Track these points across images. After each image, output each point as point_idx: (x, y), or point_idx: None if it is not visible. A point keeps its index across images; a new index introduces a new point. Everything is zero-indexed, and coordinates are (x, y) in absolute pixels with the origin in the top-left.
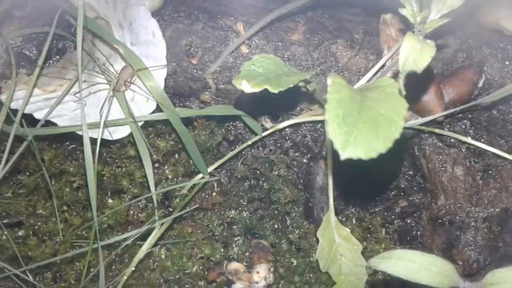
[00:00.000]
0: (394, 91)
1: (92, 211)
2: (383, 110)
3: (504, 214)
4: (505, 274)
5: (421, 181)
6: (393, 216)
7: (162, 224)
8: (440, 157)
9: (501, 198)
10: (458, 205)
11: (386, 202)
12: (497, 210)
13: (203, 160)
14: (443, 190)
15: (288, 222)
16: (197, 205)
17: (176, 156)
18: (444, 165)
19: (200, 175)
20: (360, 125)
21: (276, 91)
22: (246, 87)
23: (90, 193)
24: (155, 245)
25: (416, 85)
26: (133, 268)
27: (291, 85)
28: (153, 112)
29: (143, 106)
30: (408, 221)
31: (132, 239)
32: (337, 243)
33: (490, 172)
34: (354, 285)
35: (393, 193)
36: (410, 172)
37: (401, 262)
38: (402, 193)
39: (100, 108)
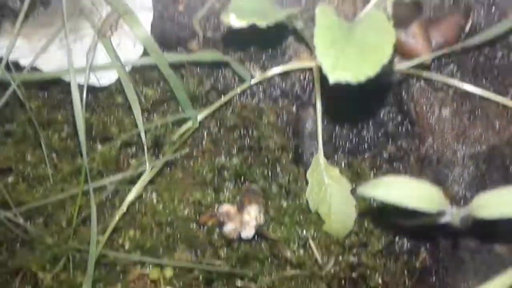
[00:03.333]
0: (383, 19)
1: (81, 151)
2: (371, 36)
3: (491, 152)
4: (491, 197)
5: (409, 126)
6: (381, 161)
7: (152, 167)
8: (428, 100)
9: (487, 136)
10: (446, 144)
11: (374, 148)
12: (484, 147)
13: (192, 107)
14: (431, 132)
15: (278, 169)
16: (187, 150)
17: (165, 106)
18: (432, 107)
19: (190, 123)
20: (348, 50)
21: (263, 24)
22: (234, 20)
23: (79, 133)
24: (146, 190)
25: (403, 30)
26: (125, 209)
27: (279, 19)
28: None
29: (130, 52)
30: (396, 165)
31: (123, 182)
32: (326, 184)
33: (476, 113)
34: (344, 224)
35: (381, 139)
36: (398, 118)
37: (390, 187)
38: (390, 139)
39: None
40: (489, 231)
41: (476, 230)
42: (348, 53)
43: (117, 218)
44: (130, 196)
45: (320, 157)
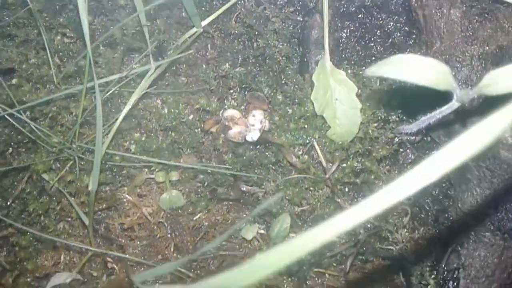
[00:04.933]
0: None
1: (84, 54)
2: None
3: (499, 52)
4: (499, 74)
5: (416, 37)
6: None
7: (157, 67)
8: (437, 1)
9: (496, 37)
10: (454, 45)
11: (381, 59)
12: (492, 47)
13: (196, 11)
14: (439, 36)
15: (283, 78)
16: (192, 51)
17: (168, 11)
18: (441, 9)
19: (194, 29)
20: None
21: None
22: None
23: (82, 19)
24: (150, 96)
25: None
26: (130, 106)
27: None
28: None
29: None
30: None
31: (127, 85)
32: (332, 87)
33: (486, 15)
34: (348, 128)
35: (388, 51)
36: (405, 28)
37: (400, 65)
38: (397, 49)
39: None
40: None
41: None
42: None
43: (123, 114)
44: (135, 95)
45: (326, 61)
